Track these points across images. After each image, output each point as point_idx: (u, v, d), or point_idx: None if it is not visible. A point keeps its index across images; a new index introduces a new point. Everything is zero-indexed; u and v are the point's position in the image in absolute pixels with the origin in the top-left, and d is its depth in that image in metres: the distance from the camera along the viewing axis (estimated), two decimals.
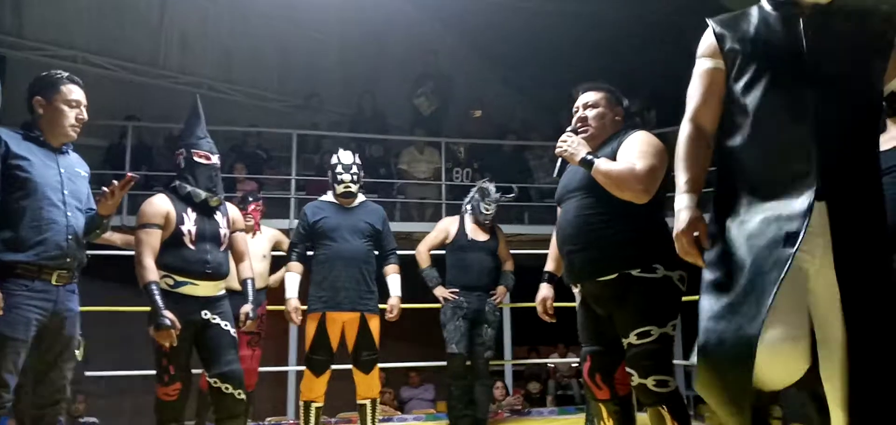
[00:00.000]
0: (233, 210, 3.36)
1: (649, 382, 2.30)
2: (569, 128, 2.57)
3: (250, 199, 4.46)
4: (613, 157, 2.39)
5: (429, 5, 8.26)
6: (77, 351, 2.66)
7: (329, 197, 3.86)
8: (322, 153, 6.98)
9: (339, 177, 3.79)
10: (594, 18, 7.37)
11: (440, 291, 4.29)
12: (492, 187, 4.46)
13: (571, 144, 2.42)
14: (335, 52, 8.72)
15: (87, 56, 7.58)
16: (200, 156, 3.13)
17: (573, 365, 6.60)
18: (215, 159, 3.19)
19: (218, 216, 3.18)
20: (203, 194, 3.09)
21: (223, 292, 3.17)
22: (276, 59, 8.52)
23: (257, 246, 4.27)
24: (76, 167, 2.68)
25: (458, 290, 4.26)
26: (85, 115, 2.64)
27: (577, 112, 2.56)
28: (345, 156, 3.85)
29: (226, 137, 6.79)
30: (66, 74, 2.65)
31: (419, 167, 7.35)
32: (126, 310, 4.35)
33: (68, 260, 2.52)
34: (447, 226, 4.46)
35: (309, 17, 7.94)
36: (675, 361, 2.56)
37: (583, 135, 2.53)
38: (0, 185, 2.41)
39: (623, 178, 2.29)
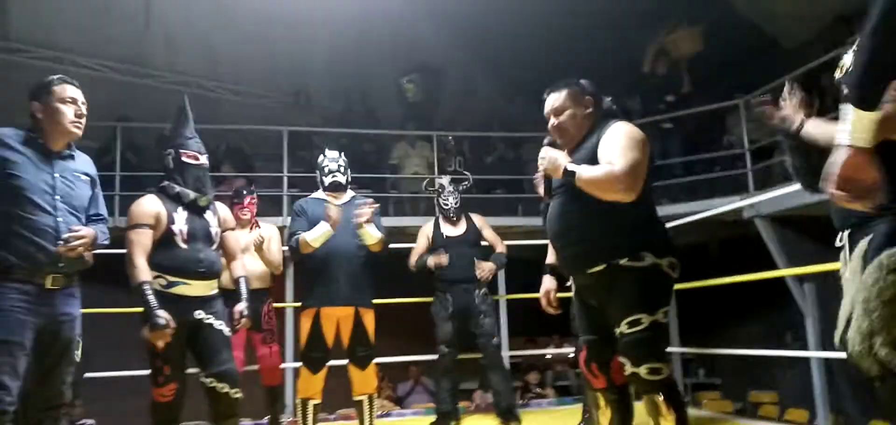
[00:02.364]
0: (223, 209, 3.34)
1: (642, 370, 2.31)
2: (546, 141, 2.57)
3: (245, 193, 4.44)
4: (594, 153, 2.38)
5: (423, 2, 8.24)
6: (76, 354, 2.64)
7: (319, 194, 3.85)
8: (313, 150, 6.95)
9: (326, 169, 3.80)
10: (583, 9, 7.36)
11: (433, 259, 4.28)
12: (445, 179, 4.54)
13: (551, 160, 2.41)
14: (323, 49, 8.66)
15: (73, 57, 7.51)
16: (188, 157, 3.12)
17: (570, 355, 6.64)
18: (203, 159, 3.17)
19: (208, 215, 3.16)
20: (192, 194, 3.07)
21: (216, 291, 3.15)
22: (264, 55, 8.46)
23: (261, 242, 4.15)
24: (77, 170, 2.64)
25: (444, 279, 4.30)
26: (84, 111, 2.63)
27: (548, 119, 2.55)
28: (331, 154, 3.88)
29: (214, 135, 6.74)
30: (58, 76, 2.64)
31: (411, 161, 7.33)
32: (122, 312, 4.33)
33: (61, 264, 2.49)
34: (426, 231, 4.53)
35: (296, 13, 7.88)
36: (669, 348, 2.56)
37: (561, 143, 2.54)
38: None
39: (605, 182, 2.29)
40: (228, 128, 7.18)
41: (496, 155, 7.76)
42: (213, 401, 3.06)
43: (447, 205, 4.46)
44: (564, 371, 7.04)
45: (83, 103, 2.64)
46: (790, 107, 2.18)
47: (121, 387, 4.43)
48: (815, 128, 2.12)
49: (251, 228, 4.34)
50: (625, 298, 2.33)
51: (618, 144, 2.34)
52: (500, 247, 4.50)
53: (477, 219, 4.56)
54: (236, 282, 3.28)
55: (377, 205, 3.65)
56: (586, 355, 2.57)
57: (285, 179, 6.51)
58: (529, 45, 8.08)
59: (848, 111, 1.37)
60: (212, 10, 7.91)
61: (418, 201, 7.27)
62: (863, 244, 1.93)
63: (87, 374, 4.03)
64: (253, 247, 4.12)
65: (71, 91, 2.61)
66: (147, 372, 3.07)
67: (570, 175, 2.33)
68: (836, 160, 1.44)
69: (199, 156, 3.14)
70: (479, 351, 4.37)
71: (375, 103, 8.29)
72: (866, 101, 1.35)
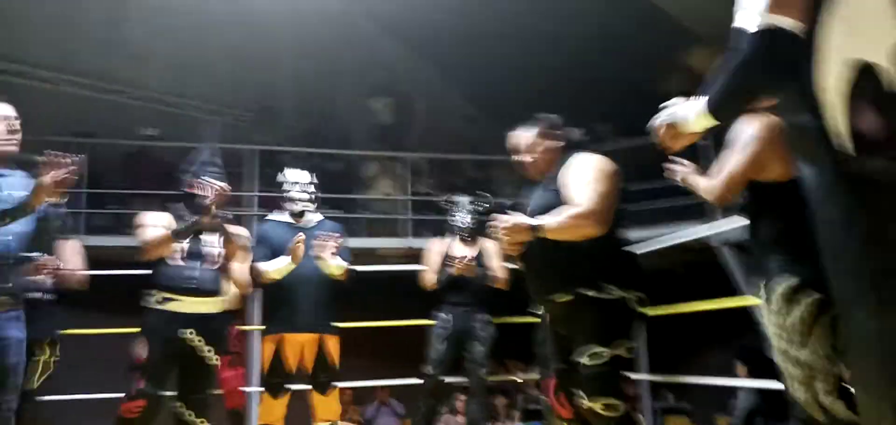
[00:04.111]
0: (237, 230, 3.38)
1: (597, 405, 2.30)
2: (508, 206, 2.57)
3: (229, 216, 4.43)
4: (558, 185, 2.38)
5: (387, 21, 8.24)
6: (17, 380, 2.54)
7: (283, 216, 3.77)
8: (278, 168, 6.86)
9: (291, 196, 3.70)
10: (552, 35, 7.43)
11: (459, 265, 4.13)
12: (464, 199, 4.45)
13: (513, 230, 2.30)
14: (291, 67, 8.61)
15: (35, 70, 7.34)
16: (199, 187, 3.21)
17: (538, 380, 6.61)
18: (218, 187, 3.23)
19: (213, 237, 3.24)
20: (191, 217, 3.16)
21: (213, 311, 3.13)
22: (231, 72, 8.37)
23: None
24: (11, 190, 2.50)
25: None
26: (17, 127, 2.51)
27: (520, 156, 2.58)
28: (292, 175, 3.77)
29: (179, 152, 6.63)
30: None
31: (382, 182, 7.29)
32: (91, 333, 4.25)
33: (2, 286, 2.39)
34: (437, 248, 4.42)
35: (264, 31, 7.83)
36: (638, 376, 2.58)
37: (530, 176, 2.57)
38: None
39: (573, 225, 2.28)
40: (191, 145, 7.05)
41: (464, 178, 7.76)
42: None
43: (463, 224, 4.37)
44: (533, 395, 7.02)
45: (15, 118, 2.52)
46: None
47: (83, 410, 4.31)
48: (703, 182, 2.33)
49: None
50: (586, 330, 2.32)
51: (582, 179, 2.33)
52: (501, 274, 4.34)
53: (488, 243, 4.41)
54: None
55: (340, 240, 3.55)
56: (555, 385, 2.56)
57: (257, 198, 6.41)
58: (499, 68, 8.13)
59: (698, 103, 1.49)
60: (179, 25, 7.82)
61: (388, 223, 7.23)
62: (761, 290, 2.08)
63: (50, 397, 3.91)
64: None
65: (1, 109, 2.50)
66: (109, 395, 3.04)
67: (538, 230, 2.29)
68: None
69: (209, 187, 3.21)
70: (464, 376, 4.33)
71: (344, 123, 8.25)
72: (719, 116, 1.45)
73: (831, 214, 1.23)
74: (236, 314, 4.37)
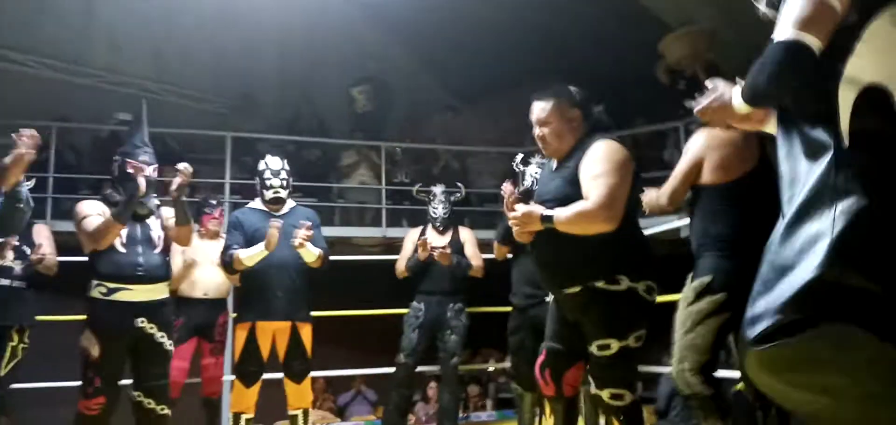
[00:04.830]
0: (166, 211, 3.27)
1: (604, 394, 2.34)
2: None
3: (214, 204, 4.46)
4: (577, 173, 2.34)
5: (369, 8, 8.21)
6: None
7: (258, 204, 3.77)
8: (257, 156, 6.83)
9: (267, 183, 3.70)
10: (537, 25, 7.44)
11: (422, 251, 4.16)
12: (438, 188, 4.49)
13: (524, 219, 2.34)
14: (272, 54, 8.55)
15: (7, 53, 7.22)
16: (132, 167, 3.09)
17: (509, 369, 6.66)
18: (151, 170, 3.13)
19: (151, 220, 3.15)
20: (132, 201, 3.03)
21: (163, 297, 3.10)
22: (210, 59, 8.29)
23: (216, 253, 4.07)
24: None
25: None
26: None
27: (535, 128, 2.50)
28: (273, 162, 3.77)
29: (157, 139, 6.57)
30: None
31: (359, 171, 7.28)
32: (58, 319, 4.21)
33: None
34: (412, 237, 4.46)
35: (244, 17, 7.76)
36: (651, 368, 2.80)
37: (545, 154, 2.55)
38: None
39: (584, 220, 2.26)
40: (171, 131, 7.00)
41: (440, 166, 7.76)
42: (139, 416, 3.01)
43: (435, 213, 4.42)
44: (506, 383, 7.08)
45: None
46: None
47: (50, 398, 4.27)
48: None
49: (216, 239, 4.35)
50: (596, 321, 2.32)
51: (595, 170, 2.29)
52: (476, 261, 4.36)
53: (464, 232, 4.49)
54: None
55: (311, 229, 3.52)
56: (543, 360, 2.57)
57: (227, 186, 6.37)
58: (478, 57, 8.13)
59: (737, 91, 1.61)
60: (156, 10, 7.73)
61: (364, 212, 7.23)
62: (700, 281, 2.57)
63: (17, 385, 3.87)
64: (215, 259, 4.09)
65: None
66: (76, 383, 3.00)
67: (548, 220, 2.29)
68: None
69: (144, 167, 3.10)
70: (437, 365, 4.35)
71: (323, 111, 8.22)
72: (756, 102, 1.56)
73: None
74: (223, 303, 4.41)
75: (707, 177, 2.65)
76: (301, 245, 3.46)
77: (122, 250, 3.01)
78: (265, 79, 8.55)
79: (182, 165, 3.09)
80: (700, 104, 1.71)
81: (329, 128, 8.16)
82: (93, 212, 3.05)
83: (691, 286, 2.60)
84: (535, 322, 3.64)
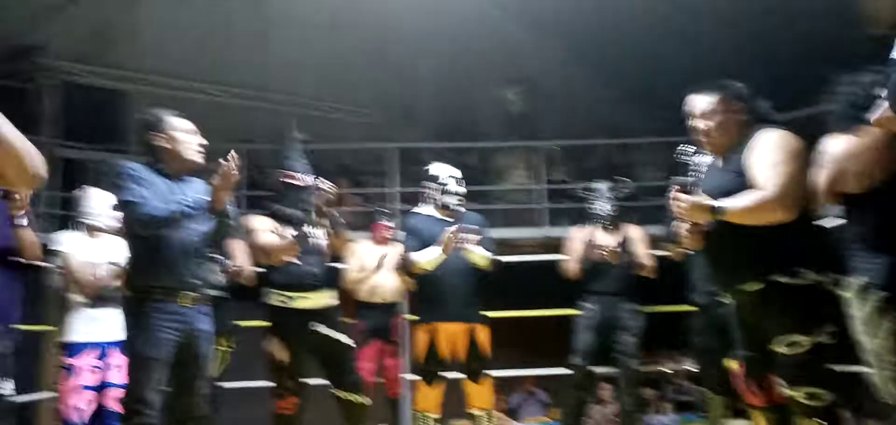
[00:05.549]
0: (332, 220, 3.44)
1: (799, 394, 2.18)
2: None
3: (384, 211, 4.73)
4: (744, 166, 2.24)
5: (520, 11, 8.20)
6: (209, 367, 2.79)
7: (429, 209, 3.84)
8: (418, 165, 7.05)
9: (447, 190, 3.77)
10: (688, 7, 7.04)
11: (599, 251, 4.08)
12: (602, 185, 4.35)
13: (691, 207, 2.25)
14: (425, 64, 8.79)
15: (193, 84, 7.93)
16: (288, 177, 3.29)
17: (690, 370, 6.33)
18: (307, 180, 3.30)
19: (317, 230, 3.29)
20: (300, 215, 3.21)
21: (334, 303, 3.27)
22: (371, 74, 8.69)
23: (388, 258, 4.36)
24: (195, 194, 2.76)
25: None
26: (203, 140, 2.77)
27: (691, 122, 2.41)
28: (450, 171, 3.84)
29: (325, 155, 6.98)
30: (167, 111, 2.78)
31: (517, 173, 7.28)
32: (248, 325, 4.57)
33: (194, 282, 2.63)
34: (579, 236, 4.33)
35: (397, 32, 8.06)
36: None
37: (708, 150, 2.42)
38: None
39: (758, 210, 2.16)
40: (340, 147, 7.42)
41: (603, 163, 7.57)
42: (344, 411, 3.19)
43: (601, 211, 4.27)
44: (681, 385, 6.74)
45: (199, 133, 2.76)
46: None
47: (244, 396, 4.63)
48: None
49: (389, 245, 4.55)
50: (781, 318, 2.19)
51: (769, 159, 2.19)
52: (647, 260, 4.19)
53: (632, 229, 4.32)
54: None
55: (480, 233, 3.60)
56: (745, 372, 2.45)
57: (399, 195, 6.62)
58: (636, 47, 7.84)
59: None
60: (322, 32, 8.22)
61: (524, 212, 7.21)
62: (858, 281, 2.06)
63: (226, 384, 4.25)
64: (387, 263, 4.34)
65: (187, 125, 2.73)
66: (268, 384, 3.22)
67: (719, 212, 2.20)
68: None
69: (299, 176, 3.29)
70: (611, 366, 4.25)
71: (477, 115, 8.32)
72: None
73: None
74: (398, 306, 4.60)
75: (854, 184, 2.21)
76: (471, 249, 3.51)
77: (298, 261, 3.19)
78: (420, 88, 8.82)
79: (325, 183, 3.23)
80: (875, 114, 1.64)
81: (484, 131, 8.24)
82: (263, 227, 3.25)
83: (855, 290, 2.12)
84: (722, 322, 3.42)
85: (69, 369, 3.37)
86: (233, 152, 2.60)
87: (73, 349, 3.39)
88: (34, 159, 1.53)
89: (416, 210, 3.94)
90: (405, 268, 3.68)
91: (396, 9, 7.90)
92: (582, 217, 4.53)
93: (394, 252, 4.30)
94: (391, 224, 4.67)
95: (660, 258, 4.23)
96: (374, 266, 4.45)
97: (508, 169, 7.41)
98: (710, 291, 3.68)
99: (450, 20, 7.93)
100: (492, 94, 8.54)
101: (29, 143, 1.53)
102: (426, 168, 3.98)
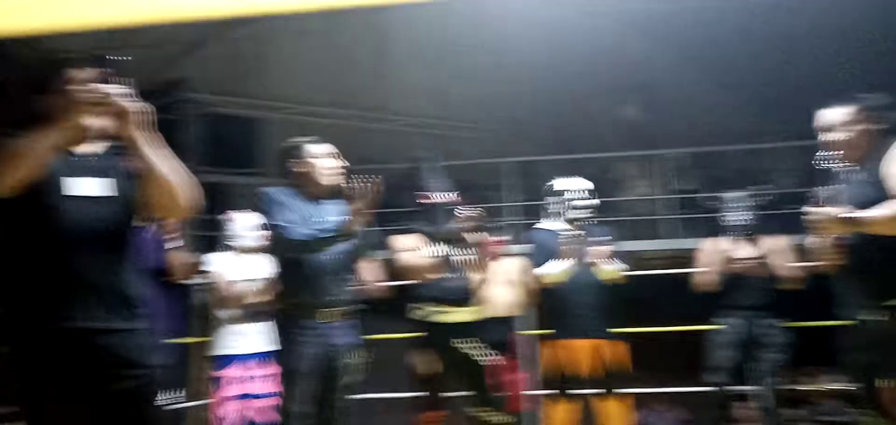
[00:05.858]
0: (472, 238, 3.48)
1: None
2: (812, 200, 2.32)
3: (501, 226, 4.69)
4: (880, 178, 2.15)
5: (633, 20, 8.01)
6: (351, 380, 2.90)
7: (552, 223, 3.79)
8: (535, 178, 7.02)
9: (575, 205, 3.72)
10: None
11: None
12: (738, 194, 4.12)
13: (826, 220, 2.18)
14: (539, 77, 8.75)
15: (305, 107, 8.27)
16: (428, 199, 3.41)
17: (840, 389, 5.87)
18: (440, 197, 3.42)
19: (455, 247, 3.36)
20: (442, 231, 3.33)
21: (478, 318, 3.31)
22: (481, 89, 8.76)
23: (505, 273, 4.26)
24: (333, 216, 2.84)
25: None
26: (343, 163, 2.89)
27: (825, 136, 2.33)
28: (579, 184, 3.78)
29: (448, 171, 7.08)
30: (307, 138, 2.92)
31: (640, 183, 7.09)
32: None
33: (330, 300, 2.74)
34: (714, 248, 4.15)
35: (509, 44, 8.08)
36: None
37: (842, 161, 2.32)
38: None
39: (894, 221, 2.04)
40: (458, 163, 7.49)
41: (731, 171, 7.22)
42: None
43: (737, 221, 4.07)
44: (832, 406, 6.26)
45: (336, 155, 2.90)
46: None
47: (381, 407, 4.76)
48: None
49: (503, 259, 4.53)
50: None
51: None
52: (789, 272, 3.93)
53: (772, 239, 4.07)
54: None
55: (608, 247, 3.55)
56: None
57: (518, 208, 6.61)
58: (757, 49, 7.45)
59: None
60: (433, 51, 8.38)
61: (648, 224, 6.99)
62: None
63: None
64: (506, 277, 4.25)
65: (323, 149, 2.88)
66: (406, 395, 3.29)
67: (856, 222, 2.12)
68: None
69: (433, 195, 3.41)
70: (750, 385, 4.03)
71: (599, 128, 8.17)
72: None
73: None
74: (514, 320, 4.57)
75: None
76: (599, 263, 3.47)
77: (441, 277, 3.27)
78: (534, 101, 8.79)
79: (468, 209, 3.42)
80: None
81: (603, 142, 8.09)
82: (408, 245, 3.38)
83: None
84: (875, 338, 3.15)
85: (217, 381, 3.60)
86: (374, 176, 2.70)
87: (221, 362, 3.61)
88: (186, 191, 1.65)
89: (538, 225, 3.91)
90: (535, 283, 3.65)
91: (505, 23, 7.92)
92: (713, 228, 4.32)
93: (508, 265, 4.29)
94: (504, 237, 4.61)
95: (807, 269, 3.95)
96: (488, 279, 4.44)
97: (629, 180, 7.22)
98: (863, 305, 3.42)
99: (559, 32, 7.86)
100: (607, 104, 8.38)
101: (185, 175, 1.64)
102: (549, 183, 3.94)
